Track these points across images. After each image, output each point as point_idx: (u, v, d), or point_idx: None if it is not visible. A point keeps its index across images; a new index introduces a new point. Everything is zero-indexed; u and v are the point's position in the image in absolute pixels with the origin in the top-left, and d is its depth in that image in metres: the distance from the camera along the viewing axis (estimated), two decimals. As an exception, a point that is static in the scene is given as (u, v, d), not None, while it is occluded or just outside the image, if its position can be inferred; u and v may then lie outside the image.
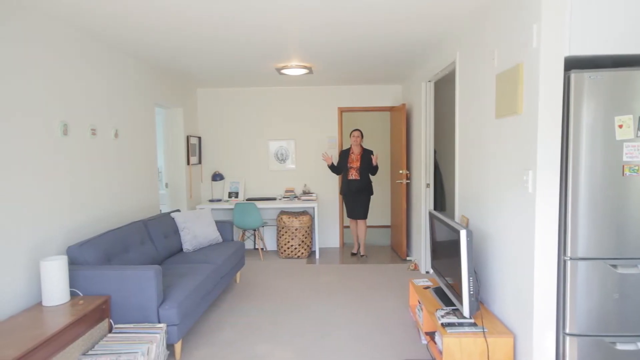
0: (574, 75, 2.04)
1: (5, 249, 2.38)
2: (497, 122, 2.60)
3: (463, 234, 2.46)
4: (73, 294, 2.64)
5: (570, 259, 2.10)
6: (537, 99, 2.08)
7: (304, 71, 4.57)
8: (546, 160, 2.10)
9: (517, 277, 2.34)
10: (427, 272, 4.69)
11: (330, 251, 5.87)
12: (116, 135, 3.62)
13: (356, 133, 5.31)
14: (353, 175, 5.29)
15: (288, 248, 5.47)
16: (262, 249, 5.68)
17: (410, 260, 5.24)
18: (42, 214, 2.69)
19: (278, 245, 5.57)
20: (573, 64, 2.15)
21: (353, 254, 5.56)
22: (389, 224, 7.33)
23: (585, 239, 2.09)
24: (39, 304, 2.51)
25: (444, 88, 5.70)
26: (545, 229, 2.13)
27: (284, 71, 4.56)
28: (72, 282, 2.67)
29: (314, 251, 5.80)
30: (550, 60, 2.05)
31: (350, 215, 5.46)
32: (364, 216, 5.40)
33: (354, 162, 5.28)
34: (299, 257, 5.50)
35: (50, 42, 2.77)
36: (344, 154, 5.39)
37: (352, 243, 6.19)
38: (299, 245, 5.46)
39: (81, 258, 2.77)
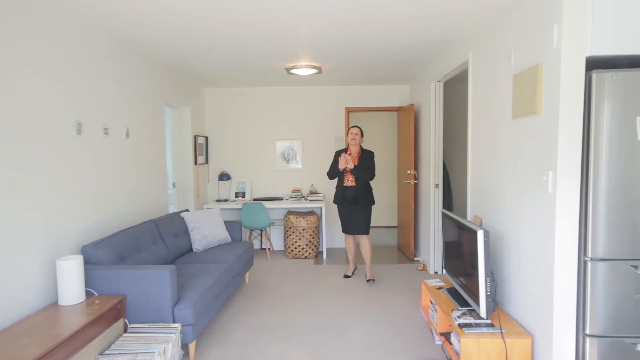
0: (595, 75, 2.04)
1: (21, 249, 2.38)
2: (513, 122, 2.59)
3: (480, 234, 2.46)
4: (88, 294, 2.64)
5: (591, 259, 2.10)
6: (558, 99, 2.08)
7: (314, 71, 4.57)
8: (567, 160, 2.09)
9: (536, 277, 2.34)
10: (436, 273, 4.69)
11: (337, 251, 5.87)
12: (127, 134, 3.61)
13: (354, 130, 4.35)
14: (349, 180, 4.32)
15: (295, 248, 5.47)
16: (269, 249, 5.68)
17: (419, 260, 5.23)
18: (57, 213, 2.69)
19: (285, 245, 5.56)
20: (591, 64, 2.15)
21: (347, 276, 4.58)
22: (395, 224, 7.32)
23: (606, 240, 2.08)
24: (55, 303, 2.50)
25: (452, 88, 5.70)
26: (565, 230, 2.12)
27: (293, 71, 4.56)
28: (87, 282, 2.66)
29: (321, 251, 5.79)
30: (572, 60, 2.05)
31: (344, 230, 4.51)
32: (364, 231, 4.38)
33: (348, 166, 4.26)
34: (306, 257, 5.49)
35: (65, 41, 2.77)
36: (339, 155, 4.40)
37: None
38: (307, 245, 5.45)
39: (95, 258, 2.76)
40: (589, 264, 2.10)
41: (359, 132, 4.36)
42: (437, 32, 3.32)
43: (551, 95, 2.15)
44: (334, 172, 4.40)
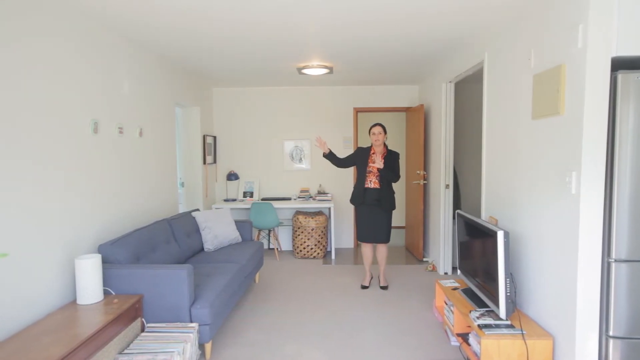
0: (620, 76, 2.03)
1: (41, 247, 2.37)
2: (533, 123, 2.58)
3: (500, 235, 2.45)
4: (105, 293, 2.63)
5: (615, 260, 2.09)
6: (583, 100, 2.07)
7: (325, 71, 4.56)
8: (591, 161, 2.08)
9: (558, 279, 2.33)
10: (446, 273, 4.68)
11: (345, 252, 5.86)
12: (140, 133, 3.60)
13: (377, 129, 4.04)
14: (372, 182, 4.04)
15: (304, 248, 5.46)
16: (277, 249, 5.67)
17: (428, 261, 5.22)
18: (74, 212, 2.68)
19: (294, 245, 5.56)
20: (616, 65, 2.14)
21: (364, 287, 4.25)
22: (401, 224, 7.31)
23: (630, 241, 2.07)
24: (73, 302, 2.49)
25: (462, 88, 5.69)
26: (589, 231, 2.11)
27: (304, 71, 4.55)
28: (104, 281, 2.65)
29: (329, 251, 5.78)
30: (597, 61, 2.04)
31: (363, 238, 4.17)
32: (385, 239, 4.13)
33: (375, 165, 4.03)
34: (314, 257, 5.48)
35: (83, 40, 2.76)
36: (362, 152, 4.17)
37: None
38: (315, 245, 5.44)
39: (112, 257, 2.75)
40: (613, 265, 2.10)
41: (382, 132, 4.04)
42: (451, 32, 3.31)
43: (575, 96, 2.14)
44: (342, 162, 4.20)
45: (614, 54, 2.03)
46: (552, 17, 2.38)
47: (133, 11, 2.72)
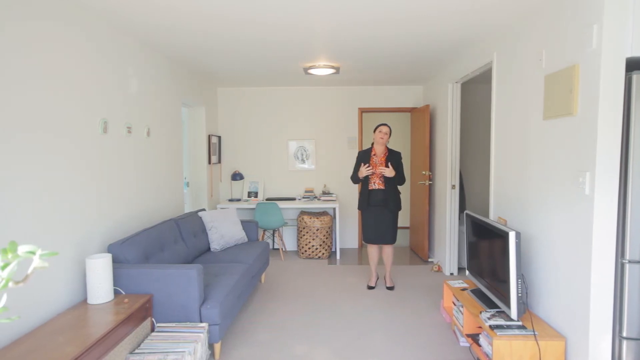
0: (635, 76, 2.03)
1: (52, 247, 2.36)
2: (544, 123, 2.58)
3: (512, 235, 2.45)
4: (115, 292, 2.62)
5: (629, 262, 2.09)
6: (597, 100, 2.06)
7: (332, 71, 4.56)
8: (605, 161, 2.08)
9: (570, 280, 2.32)
10: (452, 274, 4.68)
11: (349, 252, 5.86)
12: (148, 133, 3.60)
13: (384, 128, 4.04)
14: (376, 183, 4.05)
15: (309, 248, 5.45)
16: (282, 249, 5.67)
17: (433, 261, 5.21)
18: (84, 211, 2.67)
19: (299, 246, 5.55)
20: (631, 65, 2.13)
21: (370, 287, 4.25)
22: (406, 224, 7.30)
23: (644, 242, 2.07)
24: (84, 301, 2.49)
25: (467, 89, 5.69)
26: (603, 232, 2.11)
27: (311, 71, 4.55)
28: (114, 280, 2.64)
29: (334, 252, 5.78)
30: (611, 61, 2.04)
31: (369, 240, 4.16)
32: (390, 240, 4.12)
33: (377, 166, 4.05)
34: (319, 257, 5.48)
35: (93, 41, 2.76)
36: (363, 156, 4.15)
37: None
38: (320, 245, 5.44)
39: (122, 256, 2.75)
40: (627, 266, 2.09)
41: (388, 132, 4.05)
42: (460, 32, 3.29)
43: (589, 97, 2.13)
44: (357, 177, 4.11)
45: (629, 55, 2.03)
46: (564, 18, 2.37)
47: (141, 12, 2.72)
